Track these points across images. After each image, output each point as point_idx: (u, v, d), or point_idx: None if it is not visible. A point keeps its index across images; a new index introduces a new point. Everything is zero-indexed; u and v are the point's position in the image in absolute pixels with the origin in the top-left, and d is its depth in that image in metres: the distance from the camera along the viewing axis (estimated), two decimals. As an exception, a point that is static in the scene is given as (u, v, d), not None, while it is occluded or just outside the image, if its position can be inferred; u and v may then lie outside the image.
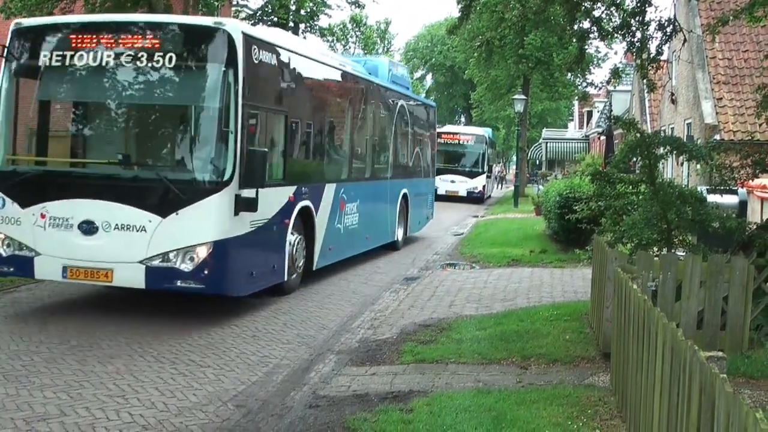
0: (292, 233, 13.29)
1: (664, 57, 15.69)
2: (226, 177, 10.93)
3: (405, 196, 21.08)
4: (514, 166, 58.37)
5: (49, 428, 7.18)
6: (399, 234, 20.86)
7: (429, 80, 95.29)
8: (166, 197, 10.99)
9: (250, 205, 11.17)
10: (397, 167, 20.72)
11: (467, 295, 14.01)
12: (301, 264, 13.92)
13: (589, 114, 68.35)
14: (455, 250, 21.21)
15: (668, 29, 12.97)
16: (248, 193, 11.15)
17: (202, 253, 10.82)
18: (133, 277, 11.01)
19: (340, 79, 16.21)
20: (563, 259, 18.31)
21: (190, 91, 11.67)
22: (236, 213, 11.03)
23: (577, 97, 57.18)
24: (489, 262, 18.56)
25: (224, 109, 11.08)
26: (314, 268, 14.52)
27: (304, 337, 11.10)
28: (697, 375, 4.46)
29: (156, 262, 10.90)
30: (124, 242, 10.98)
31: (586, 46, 15.05)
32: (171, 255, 10.92)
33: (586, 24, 13.96)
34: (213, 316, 11.69)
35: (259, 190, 11.33)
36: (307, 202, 13.91)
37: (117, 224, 11.00)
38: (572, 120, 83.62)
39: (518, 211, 35.27)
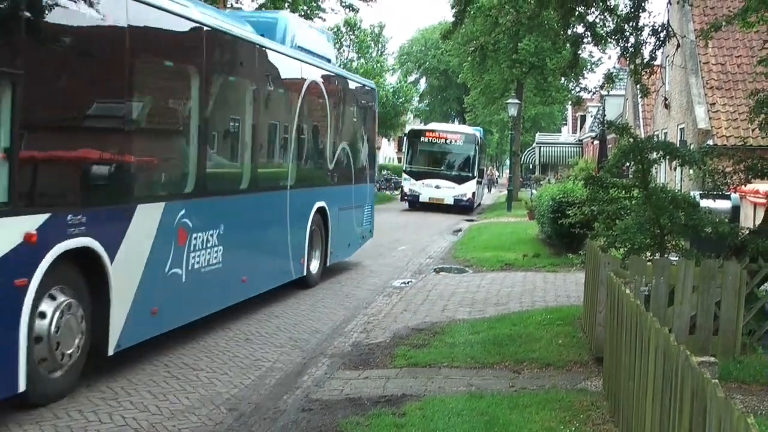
0: (38, 305, 7.54)
1: (657, 62, 15.72)
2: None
3: (322, 211, 15.47)
4: (507, 170, 58.38)
5: (41, 431, 7.16)
6: (313, 265, 15.23)
7: (423, 84, 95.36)
8: None
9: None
10: (307, 171, 14.97)
11: (460, 299, 14.01)
12: (71, 352, 8.07)
13: (583, 118, 68.45)
14: (448, 254, 21.22)
15: (662, 34, 13.02)
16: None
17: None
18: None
19: (177, 31, 10.08)
20: (556, 264, 18.33)
21: None
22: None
23: (570, 102, 57.24)
24: (482, 266, 18.56)
25: None
26: (112, 351, 8.64)
27: (297, 340, 11.09)
28: (689, 380, 4.46)
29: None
30: None
31: (580, 51, 15.08)
32: None
33: (579, 29, 14.00)
34: (205, 319, 11.68)
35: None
36: (84, 241, 8.04)
37: None
38: (566, 124, 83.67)
39: (511, 215, 35.30)
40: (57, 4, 7.59)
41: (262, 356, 10.12)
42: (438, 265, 18.88)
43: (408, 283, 16.15)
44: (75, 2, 7.86)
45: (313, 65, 15.08)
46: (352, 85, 17.82)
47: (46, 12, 7.48)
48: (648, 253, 10.63)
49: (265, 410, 8.05)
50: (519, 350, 10.03)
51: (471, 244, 23.28)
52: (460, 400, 7.97)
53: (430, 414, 7.54)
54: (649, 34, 13.02)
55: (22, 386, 7.26)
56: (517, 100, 44.19)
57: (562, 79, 48.91)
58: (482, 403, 7.86)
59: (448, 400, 7.99)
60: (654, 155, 10.99)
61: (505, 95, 48.79)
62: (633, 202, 11.07)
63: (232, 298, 11.81)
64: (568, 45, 15.42)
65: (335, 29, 44.05)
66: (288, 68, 13.98)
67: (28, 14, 7.22)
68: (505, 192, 48.09)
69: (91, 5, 8.12)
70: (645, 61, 13.43)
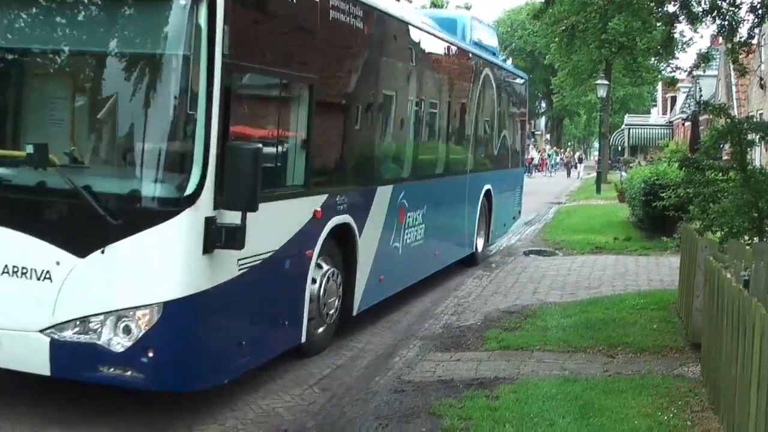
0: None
1: (754, 41, 15.31)
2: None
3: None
4: (596, 153, 57.69)
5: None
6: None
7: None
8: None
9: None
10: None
11: (551, 282, 13.90)
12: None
13: (673, 99, 67.16)
14: (537, 237, 21.04)
15: (760, 11, 12.66)
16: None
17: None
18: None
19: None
20: (648, 247, 18.07)
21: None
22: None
23: (664, 82, 55.95)
24: (572, 249, 18.39)
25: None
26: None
27: (388, 322, 11.11)
28: (799, 367, 4.35)
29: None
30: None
31: (674, 31, 14.78)
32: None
33: (673, 8, 13.71)
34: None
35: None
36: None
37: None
38: (655, 105, 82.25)
39: (601, 198, 34.85)
40: None
41: (353, 337, 10.16)
42: (527, 248, 18.74)
43: (498, 265, 16.05)
44: None
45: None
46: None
47: None
48: (746, 237, 10.37)
49: (357, 391, 8.07)
50: (612, 334, 9.89)
51: (560, 227, 23.06)
52: (553, 384, 7.90)
53: (523, 397, 7.49)
54: (747, 12, 12.67)
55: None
56: (606, 81, 43.46)
57: (652, 59, 48.00)
58: (576, 388, 7.77)
59: (542, 384, 7.92)
60: (752, 136, 10.71)
61: (594, 76, 48.05)
62: (730, 184, 10.82)
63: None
64: (659, 24, 15.11)
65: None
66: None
67: None
68: (592, 175, 47.44)
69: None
70: (742, 39, 13.07)
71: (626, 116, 74.57)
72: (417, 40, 12.22)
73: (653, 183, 18.27)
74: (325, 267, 9.18)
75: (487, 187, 16.30)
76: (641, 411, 7.08)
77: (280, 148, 8.16)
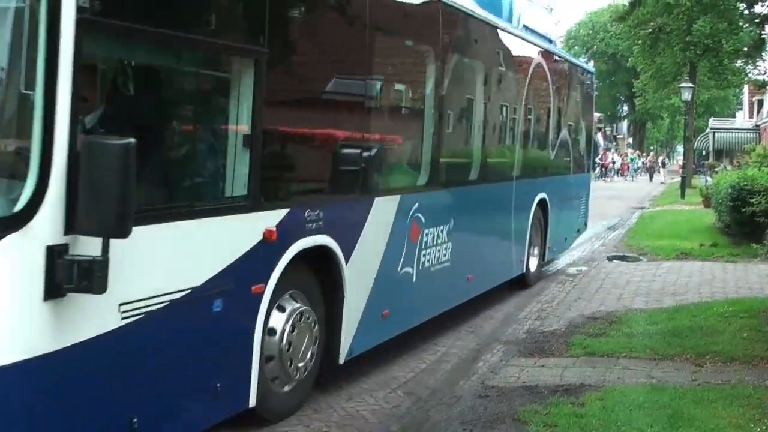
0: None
1: None
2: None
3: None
4: (680, 157, 56.76)
5: None
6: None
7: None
8: None
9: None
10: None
11: (636, 288, 13.69)
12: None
13: (760, 103, 65.83)
14: (621, 242, 20.78)
15: None
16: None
17: None
18: None
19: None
20: (736, 254, 17.71)
21: None
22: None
23: (753, 85, 54.78)
24: (657, 255, 18.09)
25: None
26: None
27: (471, 326, 11.09)
28: None
29: None
30: None
31: (764, 33, 14.50)
32: None
33: (761, 7, 13.45)
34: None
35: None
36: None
37: None
38: (741, 109, 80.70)
39: (685, 203, 34.27)
40: None
41: (436, 341, 10.15)
42: (611, 253, 18.51)
43: (581, 271, 15.89)
44: None
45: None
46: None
47: None
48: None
49: (441, 395, 8.05)
50: (700, 343, 9.69)
51: (644, 232, 22.73)
52: (640, 392, 7.76)
53: (610, 405, 7.38)
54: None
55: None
56: (690, 84, 42.66)
57: (738, 61, 47.05)
58: (664, 396, 7.63)
59: (629, 392, 7.79)
60: None
61: (678, 79, 47.21)
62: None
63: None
64: (747, 25, 14.84)
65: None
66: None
67: None
68: (676, 179, 46.66)
69: None
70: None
71: (711, 120, 73.32)
72: (438, 14, 9.67)
73: (741, 188, 17.92)
74: (292, 306, 7.02)
75: (541, 196, 13.93)
76: (732, 422, 6.92)
77: (198, 147, 6.20)
